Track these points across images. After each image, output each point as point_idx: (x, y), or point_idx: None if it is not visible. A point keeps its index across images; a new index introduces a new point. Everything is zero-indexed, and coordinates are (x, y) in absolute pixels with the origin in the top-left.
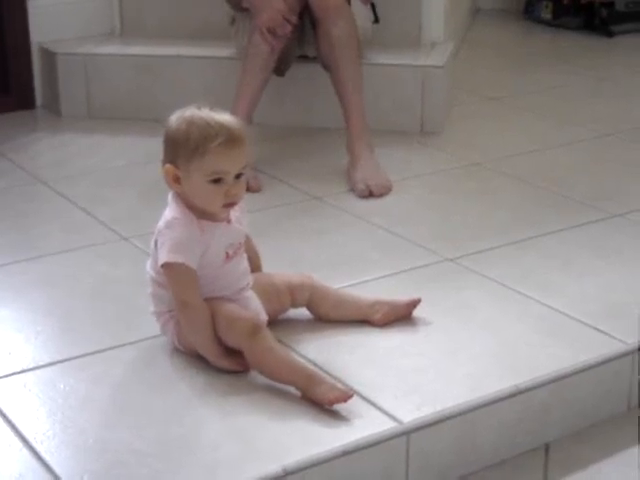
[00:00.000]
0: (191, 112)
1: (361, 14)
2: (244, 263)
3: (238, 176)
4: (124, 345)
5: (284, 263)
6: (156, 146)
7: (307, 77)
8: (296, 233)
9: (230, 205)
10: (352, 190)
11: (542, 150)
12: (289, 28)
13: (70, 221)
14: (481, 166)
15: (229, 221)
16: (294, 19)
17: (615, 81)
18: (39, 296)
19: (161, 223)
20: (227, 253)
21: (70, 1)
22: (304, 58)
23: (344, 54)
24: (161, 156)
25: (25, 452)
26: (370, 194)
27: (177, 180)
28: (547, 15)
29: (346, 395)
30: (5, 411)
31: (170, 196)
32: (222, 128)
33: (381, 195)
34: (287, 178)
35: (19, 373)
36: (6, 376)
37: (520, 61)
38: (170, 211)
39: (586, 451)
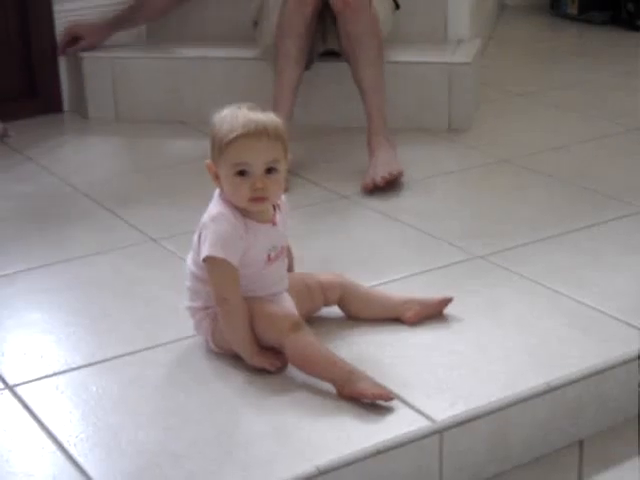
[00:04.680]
0: (228, 110)
1: (383, 2)
2: (284, 269)
3: (269, 171)
4: (157, 346)
5: (314, 263)
6: (183, 148)
7: (333, 76)
8: (325, 232)
9: (257, 200)
10: None
11: (570, 145)
12: None
13: (99, 224)
14: (509, 162)
15: (274, 223)
16: None
17: None
18: (70, 299)
19: (206, 217)
20: (269, 255)
21: (95, 4)
22: (328, 55)
23: (364, 53)
24: (189, 157)
25: (58, 455)
26: (374, 186)
27: (217, 177)
28: (573, 10)
29: (388, 395)
30: (38, 414)
31: (216, 192)
32: (248, 122)
33: (386, 182)
34: (315, 178)
35: (51, 376)
36: (38, 379)
37: (547, 57)
38: (215, 206)
39: (621, 447)
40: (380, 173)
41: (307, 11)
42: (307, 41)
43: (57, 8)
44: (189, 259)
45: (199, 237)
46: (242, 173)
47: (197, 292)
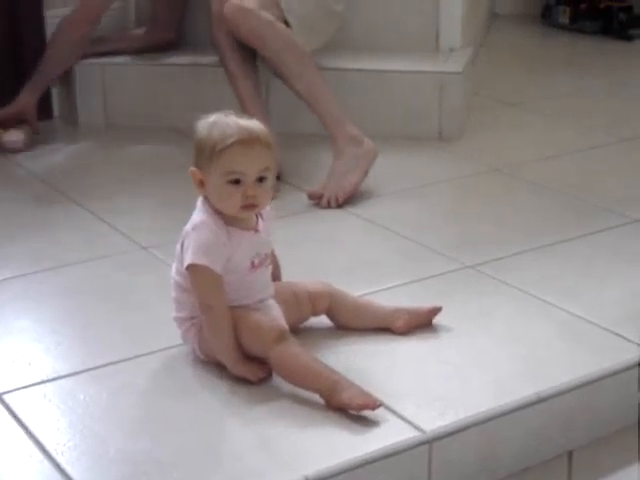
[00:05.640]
0: (216, 117)
1: (306, 13)
2: (268, 275)
3: (260, 180)
4: (145, 355)
5: (302, 271)
6: (174, 155)
7: None
8: (314, 240)
9: (248, 207)
10: None
11: (562, 155)
12: None
13: (89, 231)
14: (500, 172)
15: (257, 230)
16: None
17: (634, 85)
18: (59, 306)
19: (188, 226)
20: (252, 262)
21: None
22: None
23: (285, 69)
24: (180, 165)
25: (46, 463)
26: (327, 204)
27: (202, 184)
28: (565, 19)
29: (374, 403)
30: (25, 422)
31: (199, 201)
32: (241, 129)
33: (337, 204)
34: (303, 185)
35: (39, 384)
36: (26, 387)
37: (538, 66)
38: (198, 215)
39: (610, 458)
40: (334, 190)
41: (226, 29)
42: (243, 56)
43: (47, 13)
44: (173, 269)
45: (182, 246)
46: (235, 181)
47: (182, 302)
